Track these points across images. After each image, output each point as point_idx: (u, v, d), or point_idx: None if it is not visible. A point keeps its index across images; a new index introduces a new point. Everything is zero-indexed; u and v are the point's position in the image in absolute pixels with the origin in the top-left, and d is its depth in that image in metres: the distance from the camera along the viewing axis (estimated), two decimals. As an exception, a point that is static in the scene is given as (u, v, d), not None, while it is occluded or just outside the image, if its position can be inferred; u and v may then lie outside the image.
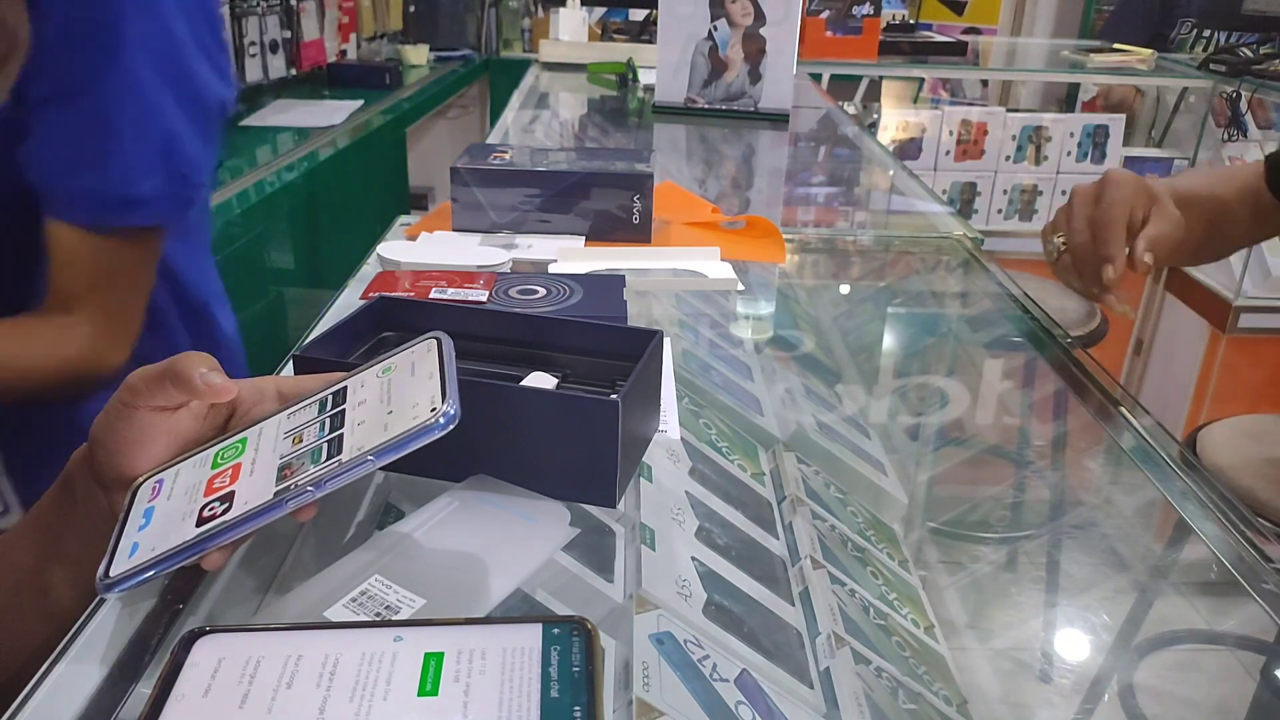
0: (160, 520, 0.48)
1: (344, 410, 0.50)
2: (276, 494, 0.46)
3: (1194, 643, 0.61)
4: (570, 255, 1.03)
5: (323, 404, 0.51)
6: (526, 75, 2.63)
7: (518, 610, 0.49)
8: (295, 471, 0.47)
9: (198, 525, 0.46)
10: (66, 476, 0.54)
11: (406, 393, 0.48)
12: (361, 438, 0.47)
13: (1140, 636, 0.65)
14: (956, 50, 3.44)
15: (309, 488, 0.46)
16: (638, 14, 3.32)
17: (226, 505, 0.47)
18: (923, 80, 3.36)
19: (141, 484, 0.50)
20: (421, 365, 0.50)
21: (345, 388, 0.52)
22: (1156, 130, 3.24)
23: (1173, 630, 0.62)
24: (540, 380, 0.65)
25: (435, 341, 0.51)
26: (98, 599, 0.49)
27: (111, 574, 0.46)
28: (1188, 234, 0.77)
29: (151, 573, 0.46)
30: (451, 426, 0.46)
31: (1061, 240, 0.75)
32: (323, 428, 0.49)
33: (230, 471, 0.49)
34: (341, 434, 0.48)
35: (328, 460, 0.47)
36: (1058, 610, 0.73)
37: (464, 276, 0.90)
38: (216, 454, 0.51)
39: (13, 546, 0.54)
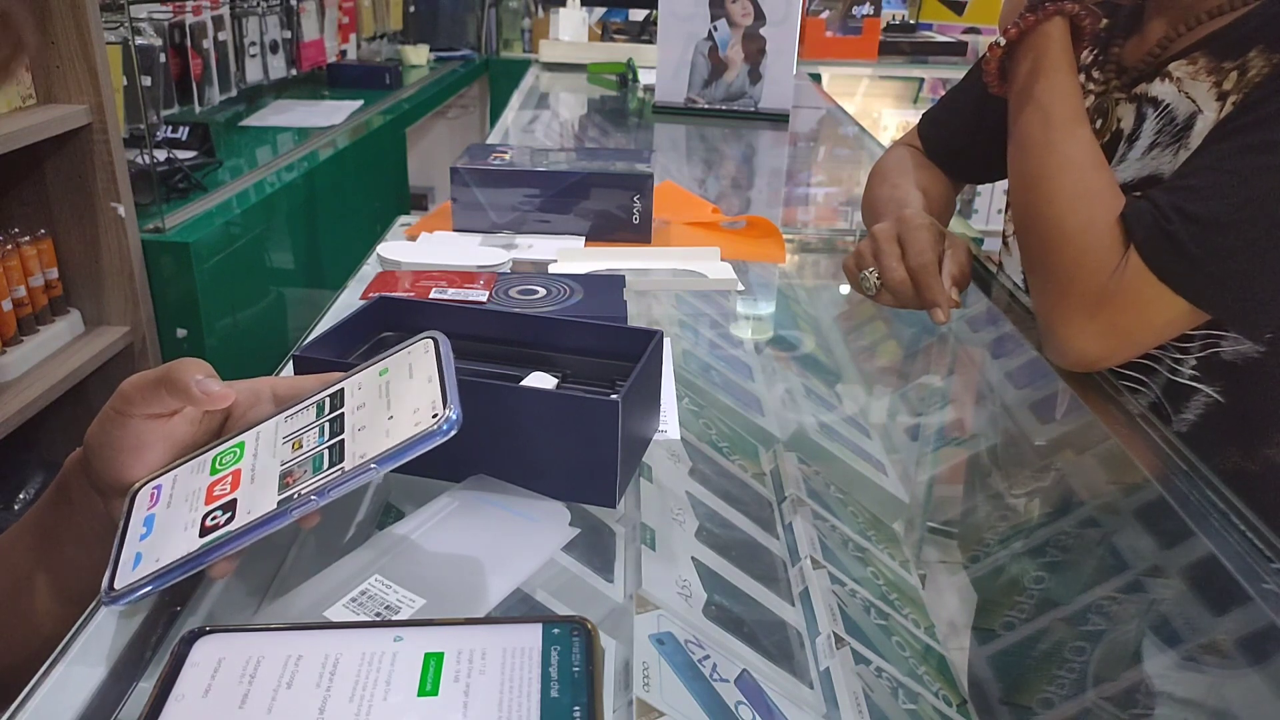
0: (162, 529, 0.47)
1: (343, 414, 0.49)
2: (280, 503, 0.46)
3: (1195, 643, 0.61)
4: (570, 255, 1.03)
5: (320, 407, 0.51)
6: (526, 75, 2.63)
7: (518, 610, 0.49)
8: (297, 479, 0.46)
9: (201, 535, 0.46)
10: (62, 480, 0.53)
11: (406, 397, 0.48)
12: (363, 444, 0.46)
13: (1140, 636, 0.65)
14: (956, 50, 3.45)
15: (313, 497, 0.45)
16: (638, 14, 3.33)
17: (229, 514, 0.46)
18: (923, 80, 3.36)
19: (139, 490, 0.50)
20: (419, 367, 0.50)
21: (342, 390, 0.51)
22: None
23: (1174, 630, 0.62)
24: (540, 380, 0.65)
25: (432, 342, 0.51)
26: (97, 599, 0.49)
27: (116, 586, 0.45)
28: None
29: (157, 585, 0.45)
30: (454, 432, 0.45)
31: (876, 277, 0.83)
32: (322, 433, 0.49)
33: (230, 478, 0.48)
34: (342, 440, 0.47)
35: (330, 468, 0.46)
36: (1057, 610, 0.73)
37: (464, 277, 0.90)
38: (214, 459, 0.50)
39: (9, 550, 0.53)
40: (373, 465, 0.45)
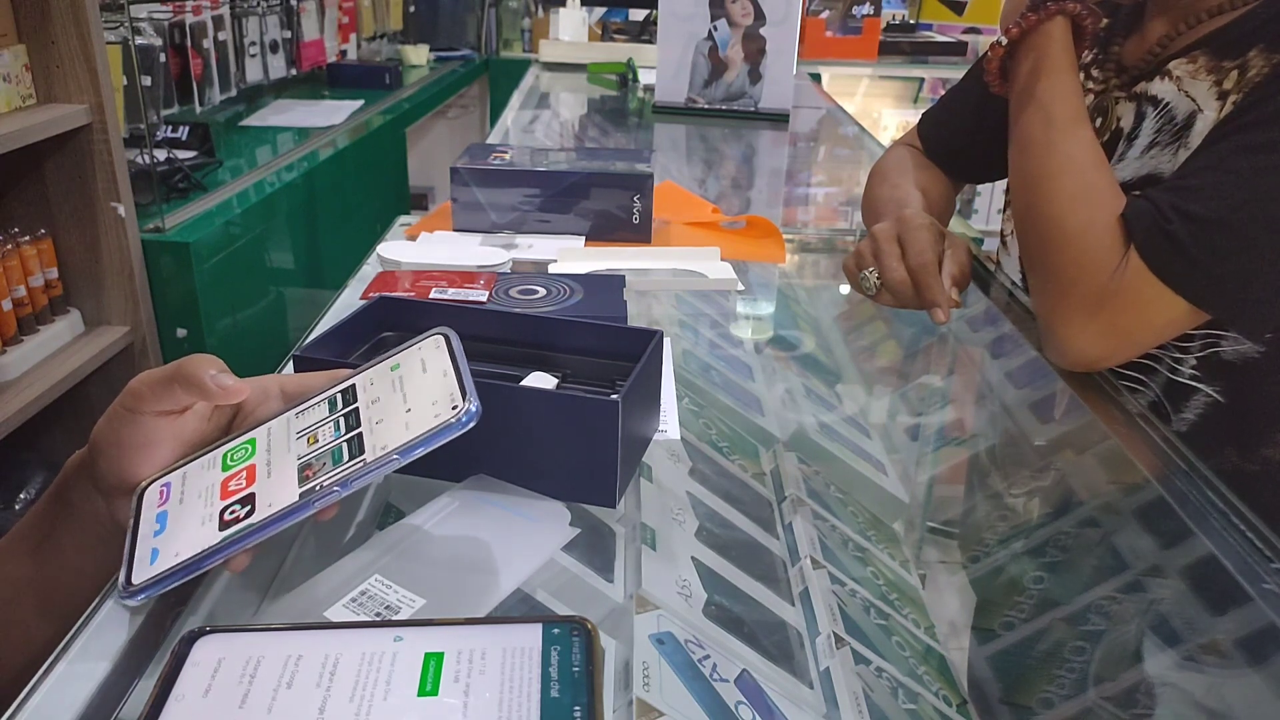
0: (176, 525, 0.47)
1: (357, 409, 0.50)
2: (302, 495, 0.46)
3: (1195, 643, 0.61)
4: (570, 255, 1.03)
5: (332, 403, 0.51)
6: (526, 75, 2.63)
7: (518, 610, 0.49)
8: (317, 472, 0.47)
9: (221, 529, 0.46)
10: (61, 484, 0.53)
11: (423, 390, 0.48)
12: (382, 436, 0.47)
13: (1140, 636, 0.65)
14: (956, 50, 3.45)
15: (335, 488, 0.45)
16: (638, 14, 3.32)
17: (248, 508, 0.46)
18: (923, 80, 3.36)
19: (146, 488, 0.50)
20: (433, 362, 0.50)
21: (354, 385, 0.51)
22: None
23: (1174, 630, 0.62)
24: (540, 380, 0.65)
25: (443, 338, 0.51)
26: (97, 600, 0.49)
27: (134, 581, 0.45)
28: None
29: (178, 579, 0.45)
30: (473, 424, 0.46)
31: (876, 277, 0.83)
32: (338, 427, 0.49)
33: (245, 473, 0.49)
34: (360, 433, 0.48)
35: (351, 460, 0.46)
36: (1057, 610, 0.73)
37: (464, 276, 0.90)
38: (225, 455, 0.50)
39: (7, 556, 0.53)
40: (395, 456, 0.45)
